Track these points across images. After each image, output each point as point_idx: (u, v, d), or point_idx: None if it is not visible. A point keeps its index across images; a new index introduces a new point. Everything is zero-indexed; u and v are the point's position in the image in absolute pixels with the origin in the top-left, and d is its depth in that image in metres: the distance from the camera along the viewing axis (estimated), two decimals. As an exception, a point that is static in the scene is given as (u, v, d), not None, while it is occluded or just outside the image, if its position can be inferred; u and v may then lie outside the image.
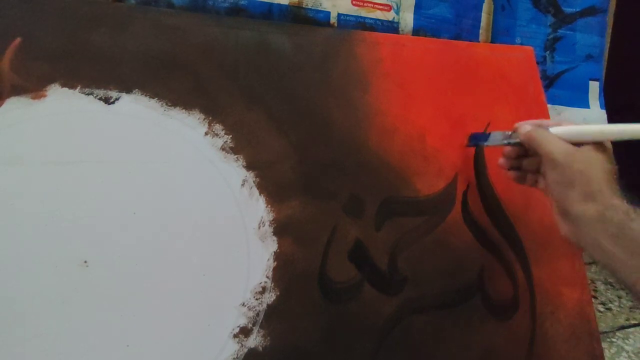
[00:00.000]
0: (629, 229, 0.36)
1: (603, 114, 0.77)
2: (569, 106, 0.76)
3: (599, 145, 0.40)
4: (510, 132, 0.48)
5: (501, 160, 0.49)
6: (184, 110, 0.45)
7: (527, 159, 0.47)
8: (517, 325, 0.52)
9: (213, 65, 0.47)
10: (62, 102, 0.41)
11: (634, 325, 0.73)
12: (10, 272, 0.36)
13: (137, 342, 0.38)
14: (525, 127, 0.45)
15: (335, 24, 0.59)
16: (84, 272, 0.38)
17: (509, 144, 0.48)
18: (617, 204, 0.37)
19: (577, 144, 0.41)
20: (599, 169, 0.39)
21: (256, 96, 0.48)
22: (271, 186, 0.46)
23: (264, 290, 0.43)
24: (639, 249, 0.35)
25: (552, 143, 0.41)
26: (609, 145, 0.41)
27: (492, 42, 0.71)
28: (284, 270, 0.44)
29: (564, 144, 0.41)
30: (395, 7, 0.63)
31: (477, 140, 0.54)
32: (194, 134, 0.44)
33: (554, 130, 0.42)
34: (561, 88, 0.76)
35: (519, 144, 0.46)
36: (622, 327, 0.73)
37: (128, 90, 0.43)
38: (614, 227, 0.36)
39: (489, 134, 0.52)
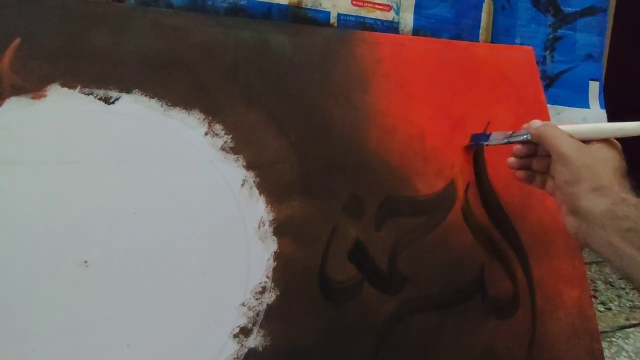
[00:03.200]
0: None
1: (603, 113, 0.77)
2: (569, 106, 0.76)
3: (608, 142, 0.40)
4: (510, 132, 0.48)
5: (510, 160, 0.49)
6: (184, 110, 0.45)
7: (536, 158, 0.47)
8: (517, 325, 0.52)
9: (213, 65, 0.47)
10: (62, 102, 0.41)
11: (634, 325, 0.73)
12: (10, 272, 0.36)
13: (137, 342, 0.38)
14: (536, 122, 0.45)
15: (335, 24, 0.60)
16: (84, 272, 0.38)
17: (509, 142, 0.48)
18: (627, 198, 0.36)
19: (586, 141, 0.41)
20: (608, 165, 0.39)
21: (256, 96, 0.48)
22: (271, 186, 0.46)
23: (264, 290, 0.43)
24: None
25: (561, 139, 0.41)
26: (618, 143, 0.41)
27: (492, 42, 0.71)
28: (284, 270, 0.44)
29: (573, 141, 0.41)
30: (395, 7, 0.63)
31: (478, 140, 0.54)
32: (194, 134, 0.44)
33: (563, 127, 0.43)
34: (561, 88, 0.76)
35: (521, 142, 0.47)
36: (622, 327, 0.73)
37: (128, 90, 0.43)
38: (624, 222, 0.36)
39: (490, 134, 0.52)
